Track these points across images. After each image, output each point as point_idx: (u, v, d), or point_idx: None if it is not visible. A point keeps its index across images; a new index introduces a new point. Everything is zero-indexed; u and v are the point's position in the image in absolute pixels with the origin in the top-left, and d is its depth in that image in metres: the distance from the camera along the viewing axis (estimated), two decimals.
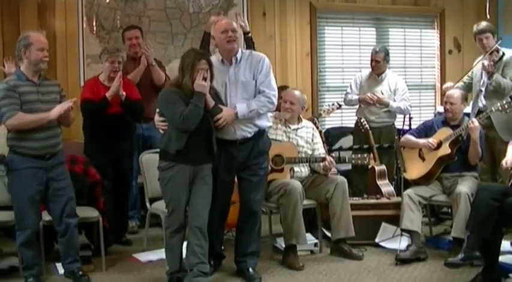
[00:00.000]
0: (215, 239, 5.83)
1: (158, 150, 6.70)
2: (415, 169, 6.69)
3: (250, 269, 5.76)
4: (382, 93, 7.81)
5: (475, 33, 7.26)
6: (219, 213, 5.78)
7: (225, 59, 5.63)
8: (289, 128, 6.53)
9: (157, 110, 5.52)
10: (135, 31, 7.46)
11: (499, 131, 7.00)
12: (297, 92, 6.63)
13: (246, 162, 5.67)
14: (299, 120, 6.65)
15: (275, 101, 5.72)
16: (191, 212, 5.41)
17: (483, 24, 7.32)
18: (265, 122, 5.78)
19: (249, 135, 5.63)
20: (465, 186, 6.19)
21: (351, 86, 8.06)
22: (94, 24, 8.16)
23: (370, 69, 8.04)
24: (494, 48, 7.06)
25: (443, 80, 9.82)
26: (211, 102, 5.39)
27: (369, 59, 7.95)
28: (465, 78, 7.52)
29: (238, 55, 5.63)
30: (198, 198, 5.41)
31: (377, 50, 7.98)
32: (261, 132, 5.74)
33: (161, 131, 5.47)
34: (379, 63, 7.88)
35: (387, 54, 8.02)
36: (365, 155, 6.60)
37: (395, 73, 8.36)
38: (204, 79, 5.24)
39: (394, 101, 7.84)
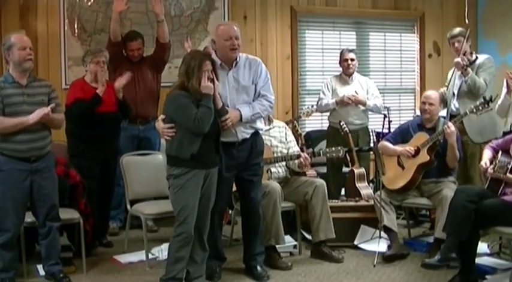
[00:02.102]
0: (218, 242, 5.90)
1: (140, 152, 6.73)
2: (396, 179, 6.64)
3: (258, 267, 5.86)
4: (357, 93, 7.89)
5: (448, 38, 7.40)
6: (219, 215, 5.84)
7: (224, 63, 5.66)
8: (261, 130, 6.55)
9: (161, 117, 5.45)
10: (138, 43, 7.50)
11: (469, 133, 7.03)
12: None
13: (247, 163, 5.75)
14: (270, 120, 6.70)
15: (273, 105, 5.88)
16: (199, 218, 5.34)
17: (456, 29, 7.44)
18: (261, 124, 5.90)
19: (247, 136, 5.70)
20: (450, 189, 6.18)
21: (323, 91, 8.10)
22: (76, 26, 8.16)
23: (339, 72, 8.18)
24: (467, 50, 7.17)
25: (423, 84, 9.93)
26: (220, 103, 5.42)
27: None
28: (443, 89, 7.51)
29: (238, 59, 5.69)
30: (206, 206, 5.40)
31: (349, 50, 8.12)
32: (256, 133, 5.82)
33: (167, 138, 5.32)
34: (353, 61, 8.01)
35: (355, 53, 8.18)
36: (339, 148, 6.57)
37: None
38: (211, 80, 5.23)
39: (368, 99, 7.94)
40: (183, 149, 5.19)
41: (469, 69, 7.00)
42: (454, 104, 7.23)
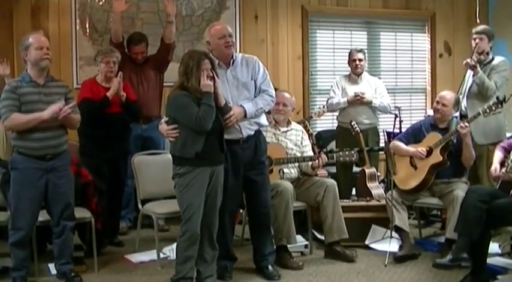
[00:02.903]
0: (228, 242, 5.89)
1: (151, 151, 6.74)
2: (409, 179, 6.61)
3: (270, 266, 5.87)
4: (362, 93, 7.89)
5: (473, 32, 7.24)
6: (230, 218, 5.84)
7: (222, 62, 5.69)
8: (279, 130, 6.60)
9: (164, 119, 5.48)
10: (142, 47, 7.52)
11: (474, 134, 6.80)
12: (287, 94, 6.68)
13: (252, 162, 5.76)
14: (288, 122, 6.72)
15: (275, 99, 5.94)
16: (207, 218, 5.37)
17: (481, 26, 7.38)
18: (264, 120, 5.91)
19: (252, 133, 5.72)
20: (462, 190, 6.17)
21: (333, 90, 8.12)
22: (87, 26, 8.17)
23: (348, 72, 8.21)
24: (486, 50, 7.10)
25: (433, 84, 9.91)
26: (223, 100, 5.43)
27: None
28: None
29: (234, 57, 5.72)
30: (214, 204, 5.41)
31: (358, 50, 8.13)
32: (259, 130, 5.85)
33: (171, 139, 5.35)
34: (361, 61, 8.02)
35: (364, 53, 8.19)
36: (352, 152, 6.60)
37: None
38: (211, 78, 5.25)
39: (376, 99, 7.96)
40: (187, 148, 5.22)
41: (479, 69, 6.93)
42: (464, 104, 7.16)
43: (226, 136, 5.50)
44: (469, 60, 6.98)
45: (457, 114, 6.96)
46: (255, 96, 5.76)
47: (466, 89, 7.19)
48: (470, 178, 6.89)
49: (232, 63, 5.73)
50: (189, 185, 5.23)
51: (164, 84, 7.75)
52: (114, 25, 7.42)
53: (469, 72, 7.19)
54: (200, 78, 5.20)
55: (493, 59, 7.16)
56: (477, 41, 7.14)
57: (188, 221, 5.26)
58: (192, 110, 5.15)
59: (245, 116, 5.60)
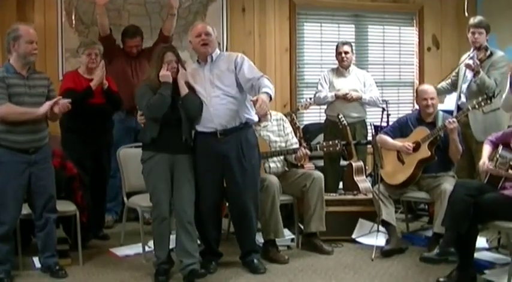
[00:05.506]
0: (210, 239, 5.91)
1: (137, 144, 6.77)
2: (396, 174, 6.59)
3: (255, 260, 5.85)
4: (349, 94, 7.86)
5: (471, 25, 7.07)
6: (209, 212, 5.80)
7: (201, 60, 5.82)
8: (259, 125, 6.50)
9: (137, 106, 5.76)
10: (137, 40, 7.56)
11: (474, 131, 6.87)
12: None
13: (231, 158, 5.66)
14: (269, 115, 6.62)
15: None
16: (176, 209, 5.49)
17: (477, 18, 7.19)
18: (254, 116, 5.84)
19: (229, 126, 5.65)
20: (449, 184, 6.15)
21: (321, 84, 8.08)
22: (73, 18, 8.12)
23: (336, 66, 8.15)
24: (483, 44, 7.00)
25: (421, 77, 9.89)
26: (184, 91, 5.56)
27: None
28: (452, 76, 7.45)
29: (214, 55, 5.77)
30: (180, 194, 5.50)
31: (343, 42, 8.11)
32: (246, 126, 5.77)
33: (142, 126, 5.71)
34: (348, 54, 7.97)
35: (351, 46, 8.13)
36: (336, 142, 6.48)
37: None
38: (173, 69, 5.53)
39: (364, 93, 7.94)
40: (146, 134, 5.58)
41: (481, 71, 6.81)
42: (462, 99, 7.11)
43: (200, 128, 5.67)
44: (471, 62, 6.85)
45: (443, 107, 6.91)
46: (242, 90, 5.71)
47: (464, 86, 7.11)
48: (467, 171, 6.95)
49: (211, 59, 5.76)
50: (151, 171, 5.54)
51: None
52: (100, 18, 7.39)
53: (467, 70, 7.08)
54: (159, 70, 5.49)
55: (491, 54, 7.00)
56: (476, 35, 7.01)
57: (155, 206, 5.52)
58: (144, 98, 5.48)
59: (270, 98, 5.36)
